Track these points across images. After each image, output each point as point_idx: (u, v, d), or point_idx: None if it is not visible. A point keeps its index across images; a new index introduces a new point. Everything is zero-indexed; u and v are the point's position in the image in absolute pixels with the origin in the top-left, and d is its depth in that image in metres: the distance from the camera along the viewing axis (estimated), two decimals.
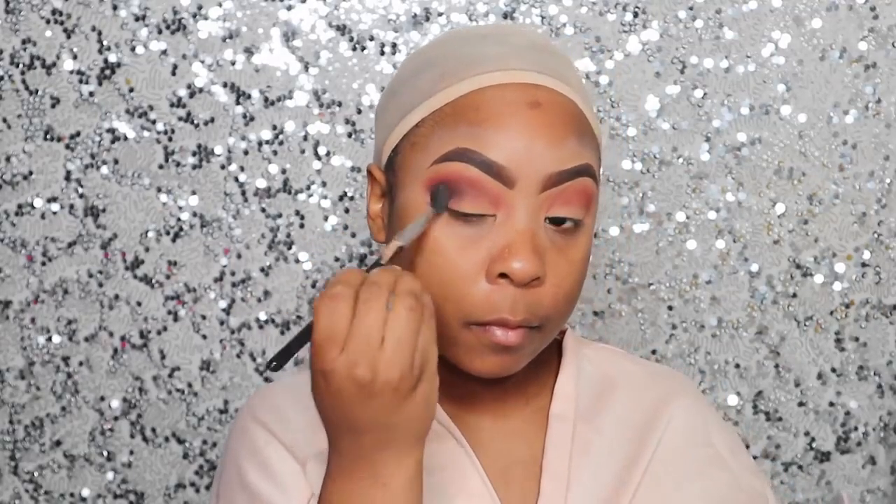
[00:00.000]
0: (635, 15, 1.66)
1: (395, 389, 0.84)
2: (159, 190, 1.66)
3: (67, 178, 1.65)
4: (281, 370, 0.95)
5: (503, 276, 0.95)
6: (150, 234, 1.66)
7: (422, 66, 1.02)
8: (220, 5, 1.64)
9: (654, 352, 1.69)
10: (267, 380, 1.67)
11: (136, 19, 1.64)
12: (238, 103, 1.65)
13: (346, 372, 0.83)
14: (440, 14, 1.65)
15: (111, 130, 1.65)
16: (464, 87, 0.98)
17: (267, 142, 1.65)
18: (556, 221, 0.97)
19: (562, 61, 1.04)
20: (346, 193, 1.66)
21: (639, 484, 1.03)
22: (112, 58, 1.64)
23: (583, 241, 0.99)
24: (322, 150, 1.66)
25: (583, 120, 1.00)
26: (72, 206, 1.66)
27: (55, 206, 1.66)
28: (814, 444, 1.71)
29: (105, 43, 1.64)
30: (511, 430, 1.05)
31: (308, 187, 1.66)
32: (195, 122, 1.65)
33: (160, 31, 1.64)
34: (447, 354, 0.98)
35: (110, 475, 1.68)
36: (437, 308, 0.95)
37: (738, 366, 1.70)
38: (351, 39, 1.65)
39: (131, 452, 1.68)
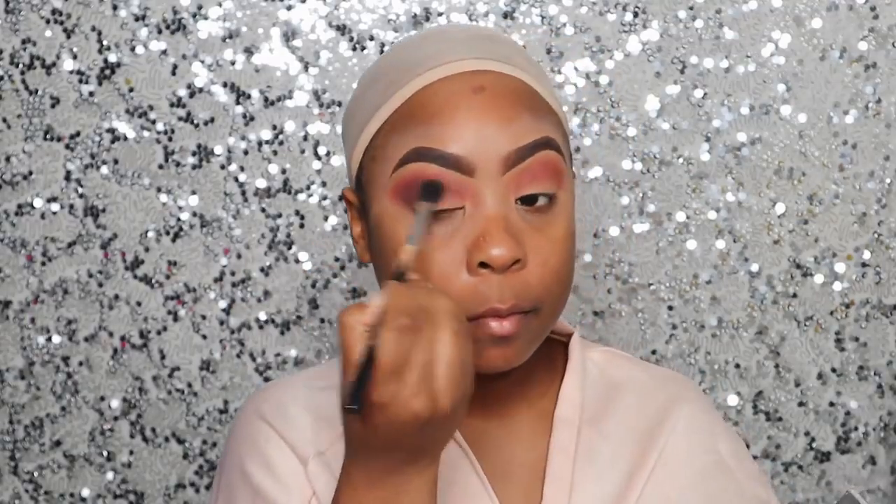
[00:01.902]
0: (635, 15, 1.66)
1: (447, 418, 0.84)
2: (159, 190, 1.66)
3: (67, 178, 1.65)
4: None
5: (483, 265, 0.94)
6: (150, 234, 1.66)
7: (370, 81, 1.03)
8: (220, 5, 1.64)
9: (654, 352, 1.69)
10: (267, 380, 1.67)
11: (136, 19, 1.64)
12: (238, 103, 1.65)
13: (404, 404, 0.82)
14: (440, 14, 1.65)
15: (111, 130, 1.65)
16: (409, 90, 0.98)
17: (267, 142, 1.65)
18: (528, 200, 0.96)
19: (505, 45, 1.03)
20: None
21: (642, 490, 1.02)
22: (112, 58, 1.64)
23: (561, 219, 0.98)
24: (322, 150, 1.66)
25: (534, 96, 0.99)
26: (72, 206, 1.66)
27: (55, 206, 1.66)
28: (814, 444, 1.71)
29: (105, 43, 1.64)
30: (514, 433, 1.04)
31: (308, 187, 1.66)
32: (195, 122, 1.65)
33: (160, 31, 1.64)
34: None
35: (110, 475, 1.68)
36: None
37: (738, 366, 1.70)
38: (351, 39, 1.65)
39: (131, 452, 1.68)
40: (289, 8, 1.64)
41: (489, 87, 0.97)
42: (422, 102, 0.97)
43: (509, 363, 0.98)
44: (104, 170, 1.65)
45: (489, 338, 0.95)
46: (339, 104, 1.65)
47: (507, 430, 1.04)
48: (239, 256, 1.67)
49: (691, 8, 1.66)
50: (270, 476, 1.01)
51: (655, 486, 1.03)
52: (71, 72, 1.65)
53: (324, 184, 1.66)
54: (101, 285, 1.67)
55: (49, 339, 1.67)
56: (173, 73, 1.65)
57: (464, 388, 0.84)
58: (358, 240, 1.04)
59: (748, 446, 1.70)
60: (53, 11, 1.64)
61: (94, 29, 1.64)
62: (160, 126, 1.65)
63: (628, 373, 1.10)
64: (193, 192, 1.66)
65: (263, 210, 1.66)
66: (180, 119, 1.65)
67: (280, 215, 1.66)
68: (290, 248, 1.67)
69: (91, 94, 1.65)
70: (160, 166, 1.66)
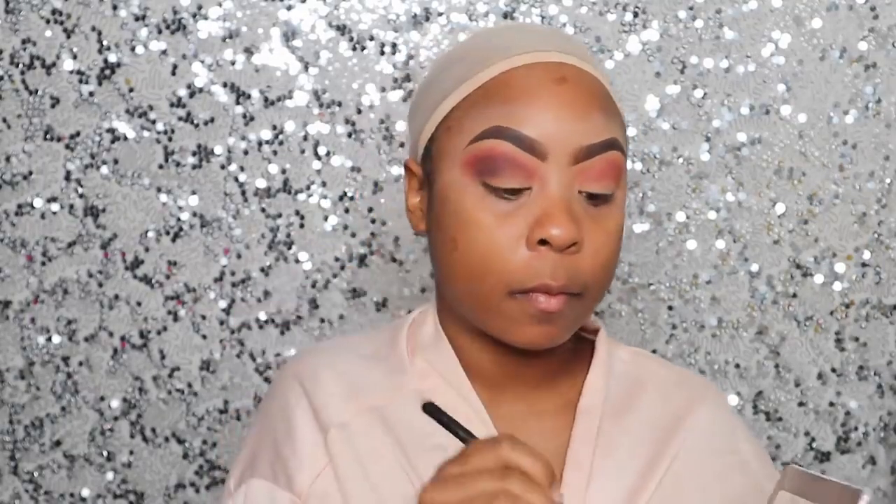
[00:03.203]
0: (635, 15, 1.66)
1: None
2: (159, 190, 1.66)
3: (67, 178, 1.65)
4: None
5: (542, 243, 0.99)
6: (150, 234, 1.66)
7: (451, 61, 1.08)
8: (220, 5, 1.64)
9: (654, 352, 1.69)
10: (267, 380, 1.68)
11: (136, 19, 1.64)
12: (238, 103, 1.65)
13: None
14: (440, 14, 1.65)
15: (111, 130, 1.65)
16: (493, 71, 1.03)
17: (267, 142, 1.66)
18: (589, 196, 1.02)
19: (583, 47, 1.09)
20: (345, 193, 1.66)
21: (658, 484, 1.04)
22: (112, 58, 1.65)
23: (616, 213, 1.03)
24: (322, 150, 1.66)
25: (607, 97, 1.05)
26: (72, 206, 1.66)
27: (55, 206, 1.66)
28: (814, 444, 1.71)
29: (105, 43, 1.64)
30: (540, 420, 1.08)
31: (308, 187, 1.66)
32: (195, 122, 1.65)
33: (160, 31, 1.64)
34: (490, 328, 1.02)
35: (110, 475, 1.68)
36: (479, 281, 1.00)
37: (738, 366, 1.70)
38: (351, 39, 1.65)
39: (131, 452, 1.68)
40: (289, 8, 1.64)
41: (571, 79, 1.02)
42: (505, 83, 1.02)
43: (551, 340, 1.02)
44: (104, 170, 1.65)
45: (536, 312, 1.00)
46: (339, 104, 1.65)
47: (534, 417, 1.08)
48: (239, 256, 1.67)
49: (691, 8, 1.66)
50: (290, 444, 1.05)
51: (672, 481, 1.05)
52: (71, 72, 1.65)
53: (324, 184, 1.66)
54: (101, 285, 1.67)
55: (49, 339, 1.67)
56: (173, 73, 1.65)
57: None
58: (414, 210, 1.09)
59: None
60: (53, 11, 1.64)
61: (94, 29, 1.64)
62: (160, 126, 1.65)
63: (653, 371, 1.14)
64: (193, 192, 1.66)
65: (263, 210, 1.66)
66: (180, 119, 1.65)
67: (280, 215, 1.66)
68: (290, 248, 1.67)
69: (91, 94, 1.65)
70: (160, 166, 1.66)
